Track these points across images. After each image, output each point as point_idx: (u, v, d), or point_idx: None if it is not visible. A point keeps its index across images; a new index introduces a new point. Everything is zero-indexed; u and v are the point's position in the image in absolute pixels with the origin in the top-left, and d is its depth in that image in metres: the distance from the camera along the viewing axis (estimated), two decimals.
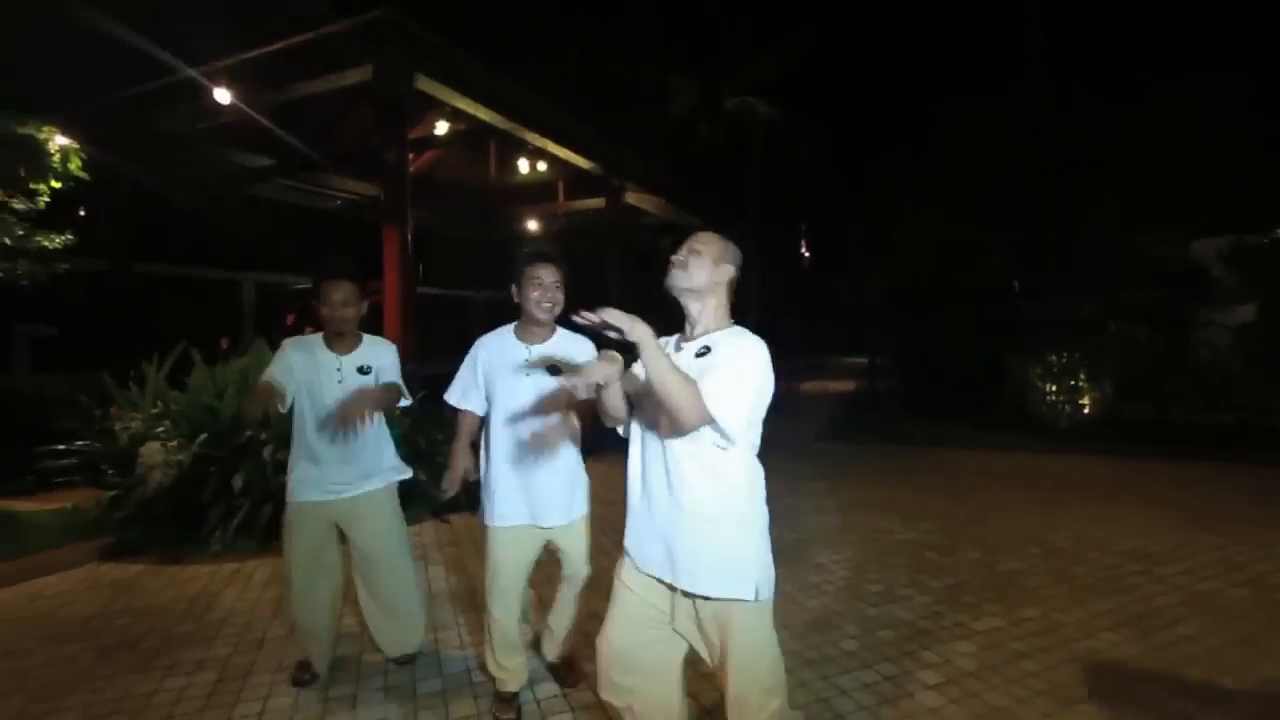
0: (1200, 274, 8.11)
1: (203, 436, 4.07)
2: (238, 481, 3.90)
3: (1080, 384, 8.17)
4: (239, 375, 4.58)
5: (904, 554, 3.99)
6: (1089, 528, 4.47)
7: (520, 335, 2.23)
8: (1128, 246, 8.05)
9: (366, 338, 2.48)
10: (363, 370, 2.39)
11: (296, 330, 5.23)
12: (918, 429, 8.78)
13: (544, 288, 2.14)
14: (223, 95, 5.72)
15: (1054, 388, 8.26)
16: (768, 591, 1.53)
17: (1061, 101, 8.82)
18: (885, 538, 4.31)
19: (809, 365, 19.22)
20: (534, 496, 2.17)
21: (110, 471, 4.26)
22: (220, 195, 8.58)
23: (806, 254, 28.31)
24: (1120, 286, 8.02)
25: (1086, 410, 8.18)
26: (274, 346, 4.99)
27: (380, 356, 2.46)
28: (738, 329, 1.58)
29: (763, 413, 1.53)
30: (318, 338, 2.41)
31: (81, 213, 7.60)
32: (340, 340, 2.40)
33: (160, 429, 4.12)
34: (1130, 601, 3.27)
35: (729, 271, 1.62)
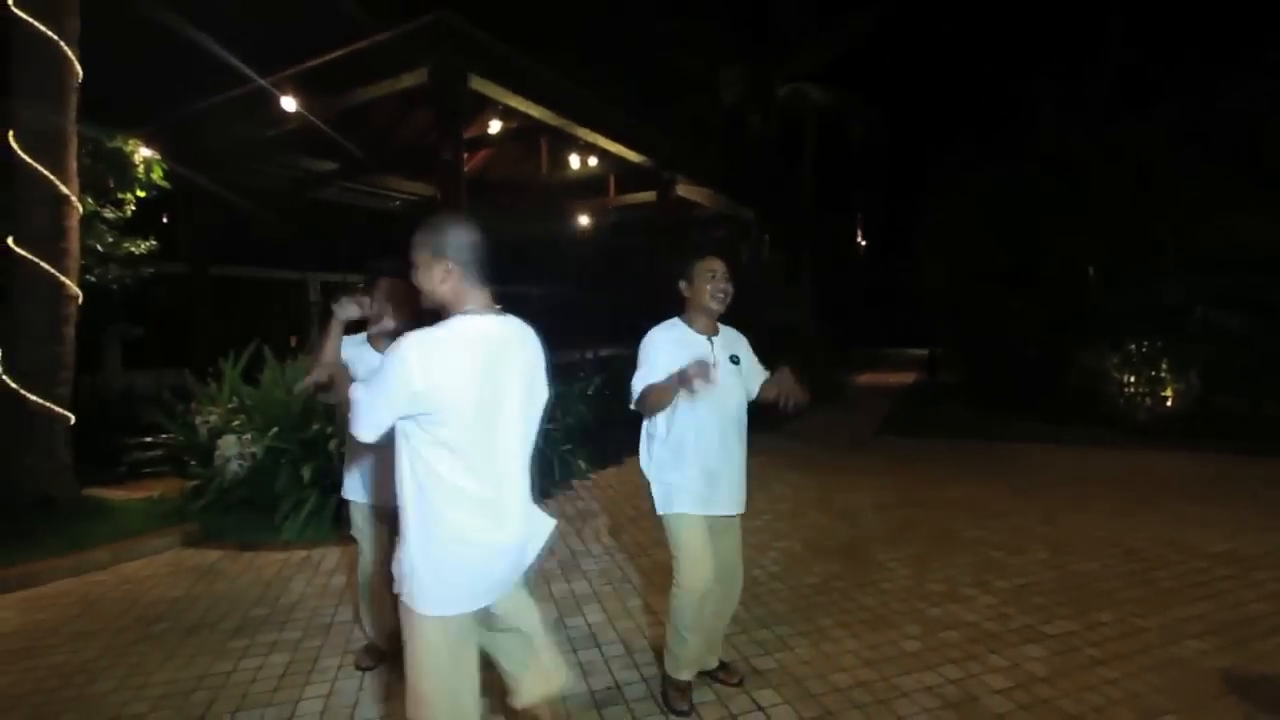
0: None
1: (274, 430, 4.29)
2: (306, 473, 4.08)
3: (1162, 375, 7.68)
4: (304, 372, 4.79)
5: (969, 553, 3.84)
6: (1172, 529, 4.20)
7: (695, 327, 2.25)
8: (1217, 230, 7.51)
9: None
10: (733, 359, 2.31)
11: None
12: (981, 423, 8.46)
13: (717, 279, 2.20)
14: (289, 103, 5.98)
15: (1132, 379, 7.81)
16: None
17: (1142, 79, 8.27)
18: (949, 536, 4.16)
19: (867, 357, 18.74)
20: (719, 486, 2.20)
21: (192, 463, 4.54)
22: (288, 199, 8.99)
23: (863, 243, 27.52)
24: (1209, 271, 7.51)
25: (1169, 403, 7.69)
26: None
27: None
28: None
29: None
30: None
31: (164, 219, 8.13)
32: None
33: (236, 422, 4.35)
34: (1220, 608, 3.05)
35: None
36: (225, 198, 7.91)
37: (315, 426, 4.31)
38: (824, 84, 18.54)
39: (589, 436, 6.20)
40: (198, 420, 4.52)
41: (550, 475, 5.43)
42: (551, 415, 5.87)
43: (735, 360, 2.28)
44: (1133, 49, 10.76)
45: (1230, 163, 7.44)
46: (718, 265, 2.20)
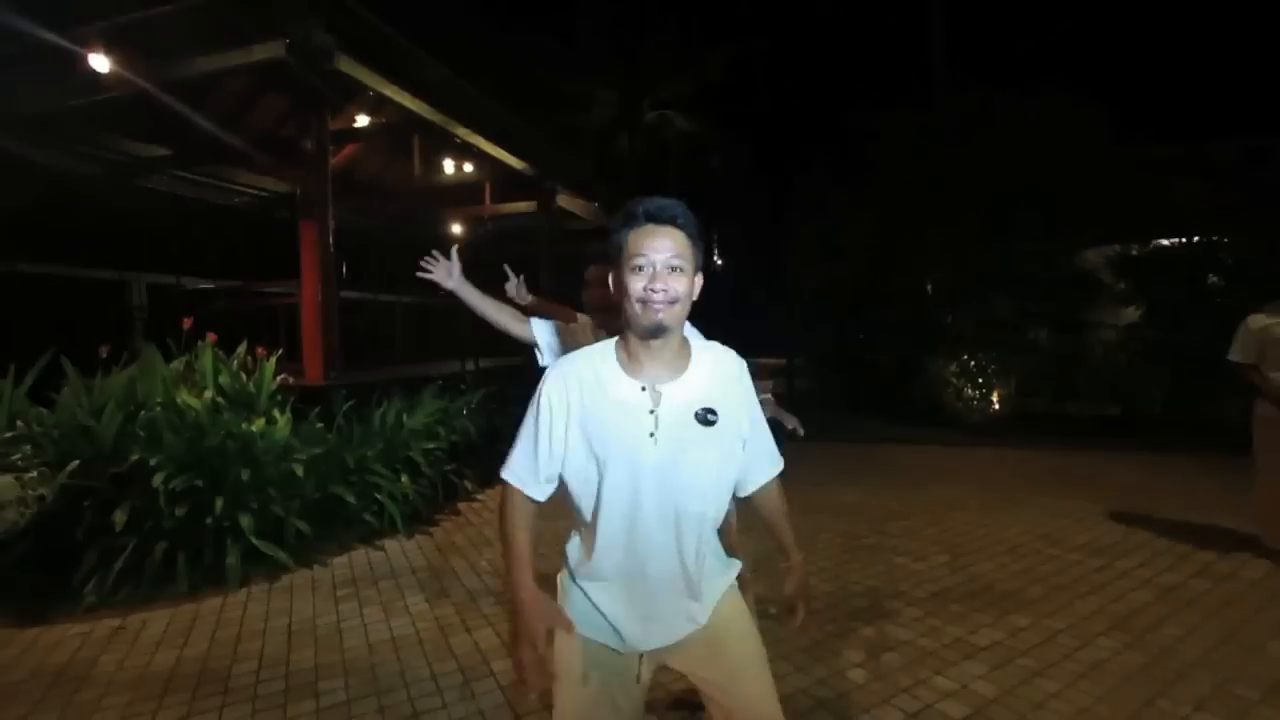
0: (1093, 280, 8.73)
1: (74, 464, 3.37)
2: (120, 517, 3.24)
3: (991, 382, 8.71)
4: (123, 388, 3.88)
5: (877, 561, 3.84)
6: (1038, 522, 4.53)
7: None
8: (1035, 255, 8.57)
9: None
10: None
11: (195, 336, 4.52)
12: (843, 425, 9.00)
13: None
14: (99, 63, 4.89)
15: (968, 386, 8.78)
16: None
17: (961, 116, 9.30)
18: (853, 543, 4.17)
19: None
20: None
21: None
22: (105, 186, 7.56)
23: (719, 261, 29.47)
24: (1028, 292, 8.54)
25: (996, 407, 8.75)
26: (167, 353, 4.35)
27: None
28: None
29: None
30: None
31: None
32: None
33: (16, 456, 3.38)
34: (1108, 601, 3.23)
35: None
36: (19, 179, 6.44)
37: (135, 457, 3.45)
38: (688, 113, 19.64)
39: (475, 454, 5.67)
40: None
41: (434, 499, 4.85)
42: (433, 433, 5.30)
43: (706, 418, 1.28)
44: (958, 82, 12.09)
45: (1035, 196, 8.51)
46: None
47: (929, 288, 9.70)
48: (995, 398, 8.75)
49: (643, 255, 1.21)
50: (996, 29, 15.16)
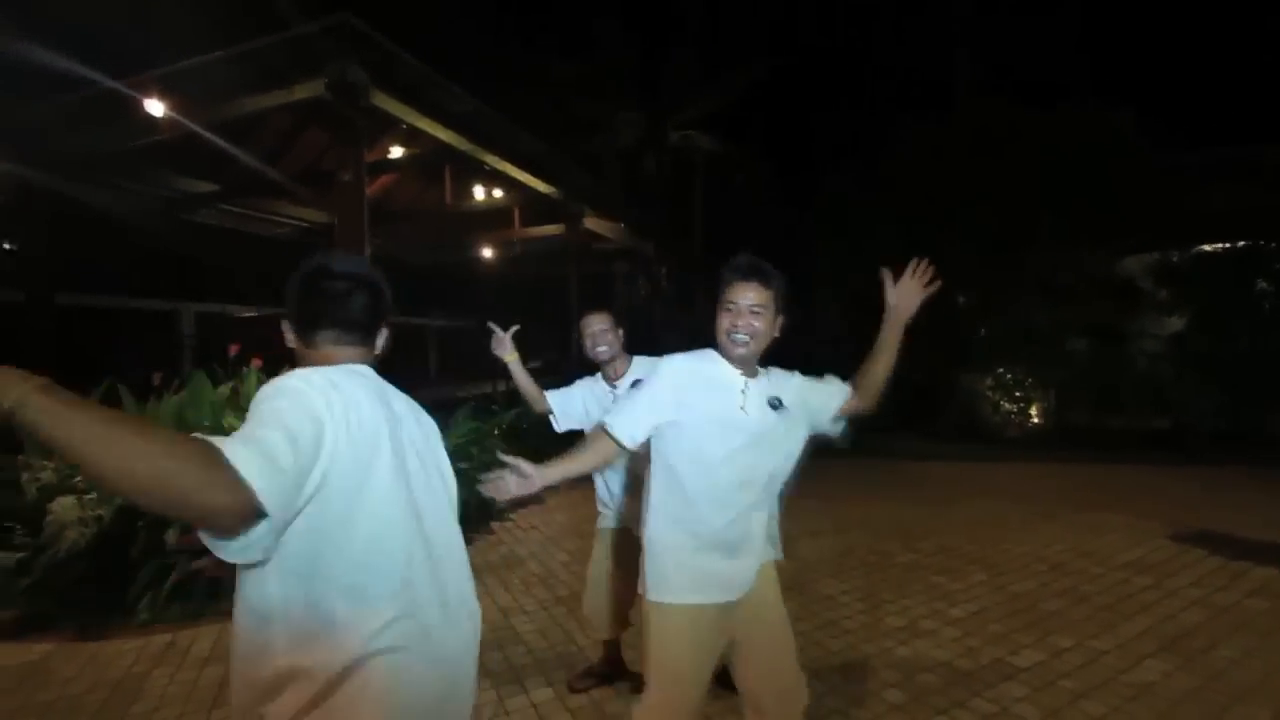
0: (1132, 288, 8.51)
1: None
2: (172, 536, 3.38)
3: (1029, 394, 8.50)
4: (173, 413, 4.06)
5: (913, 580, 3.76)
6: (1081, 539, 4.40)
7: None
8: (1067, 264, 8.39)
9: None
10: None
11: (241, 362, 4.71)
12: (875, 441, 8.77)
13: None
14: (155, 107, 5.22)
15: (1004, 399, 8.59)
16: None
17: (988, 125, 9.19)
18: (887, 561, 4.10)
19: None
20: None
21: (17, 530, 3.66)
22: (158, 222, 7.97)
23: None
24: (1065, 301, 8.34)
25: (1034, 421, 8.52)
26: (215, 378, 4.54)
27: None
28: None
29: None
30: None
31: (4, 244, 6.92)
32: None
33: (77, 478, 3.56)
34: (1157, 622, 3.11)
35: None
36: (80, 217, 6.84)
37: None
38: (712, 132, 19.84)
39: None
40: (24, 477, 3.67)
41: (468, 519, 4.92)
42: (467, 453, 5.39)
43: (776, 405, 1.70)
44: (984, 94, 11.96)
45: (1068, 204, 8.33)
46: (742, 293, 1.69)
47: (960, 299, 9.54)
48: (1033, 411, 8.54)
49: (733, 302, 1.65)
50: (1027, 35, 14.97)
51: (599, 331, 2.41)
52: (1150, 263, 8.55)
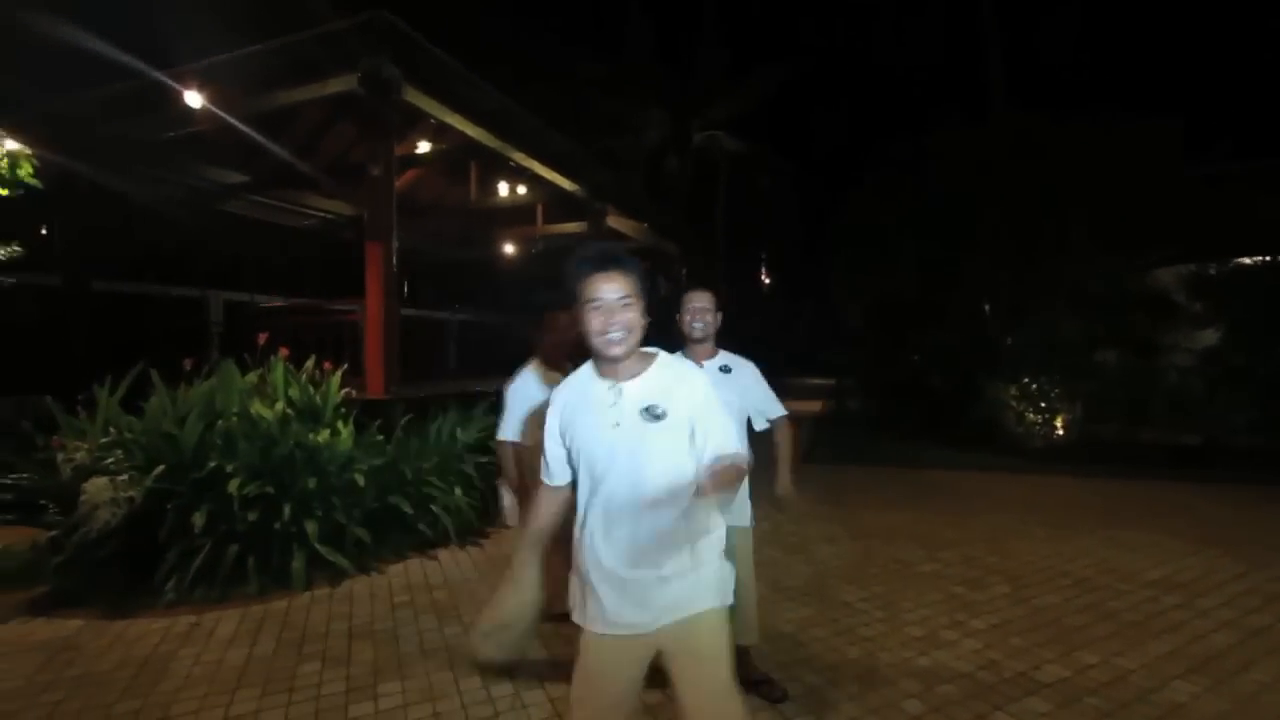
0: (1166, 300, 8.33)
1: (159, 469, 3.62)
2: (198, 519, 3.45)
3: (1055, 406, 8.33)
4: (203, 399, 4.14)
5: (933, 589, 3.71)
6: (1108, 555, 4.31)
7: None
8: (1099, 274, 8.24)
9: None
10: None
11: (269, 350, 4.79)
12: (896, 450, 8.69)
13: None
14: (193, 99, 5.32)
15: (1030, 410, 8.42)
16: None
17: (1023, 134, 9.05)
18: (908, 570, 4.04)
19: (775, 386, 19.20)
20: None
21: (51, 508, 3.76)
22: (189, 210, 8.13)
23: (766, 280, 29.22)
24: (1095, 312, 8.22)
25: (1060, 432, 8.35)
26: (243, 366, 4.62)
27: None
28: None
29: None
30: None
31: (44, 229, 7.10)
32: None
33: (110, 460, 3.65)
34: (1187, 642, 3.03)
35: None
36: (113, 204, 7.00)
37: (213, 463, 3.68)
38: (737, 134, 19.72)
39: None
40: (59, 457, 3.77)
41: (485, 512, 4.96)
42: (485, 447, 5.42)
43: (657, 415, 1.46)
44: (1017, 103, 11.80)
45: (1101, 213, 8.17)
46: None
47: (986, 307, 9.40)
48: (1059, 423, 8.39)
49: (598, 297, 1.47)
50: (1064, 41, 14.72)
51: (700, 309, 2.42)
52: (1185, 274, 8.36)
